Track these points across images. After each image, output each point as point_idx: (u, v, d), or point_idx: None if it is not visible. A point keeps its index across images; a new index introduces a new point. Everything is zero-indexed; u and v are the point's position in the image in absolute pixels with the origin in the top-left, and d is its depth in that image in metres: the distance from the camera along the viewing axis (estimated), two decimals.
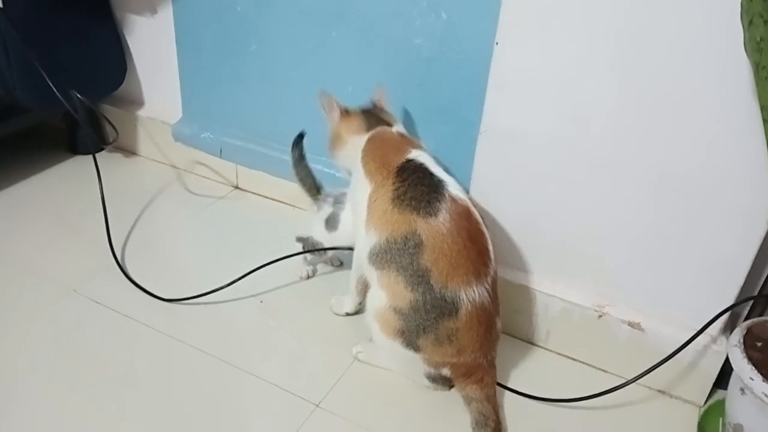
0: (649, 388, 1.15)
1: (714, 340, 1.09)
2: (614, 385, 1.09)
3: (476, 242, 1.02)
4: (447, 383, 1.10)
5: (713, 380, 1.11)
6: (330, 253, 1.35)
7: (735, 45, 0.84)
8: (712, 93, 0.93)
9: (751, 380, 0.91)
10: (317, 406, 1.07)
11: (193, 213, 1.56)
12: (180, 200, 1.61)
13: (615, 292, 1.14)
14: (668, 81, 0.96)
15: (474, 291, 1.00)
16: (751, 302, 1.10)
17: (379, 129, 1.17)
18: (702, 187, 1.00)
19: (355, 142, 1.17)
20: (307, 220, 1.32)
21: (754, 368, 0.92)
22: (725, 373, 1.06)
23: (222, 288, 1.26)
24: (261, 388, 1.09)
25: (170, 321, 1.21)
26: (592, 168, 1.07)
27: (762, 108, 0.81)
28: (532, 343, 1.23)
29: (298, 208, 1.56)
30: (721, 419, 1.05)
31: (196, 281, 1.29)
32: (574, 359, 1.20)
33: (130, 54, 1.69)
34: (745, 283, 1.03)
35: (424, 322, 1.01)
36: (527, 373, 1.17)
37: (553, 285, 1.18)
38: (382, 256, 1.04)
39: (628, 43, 0.96)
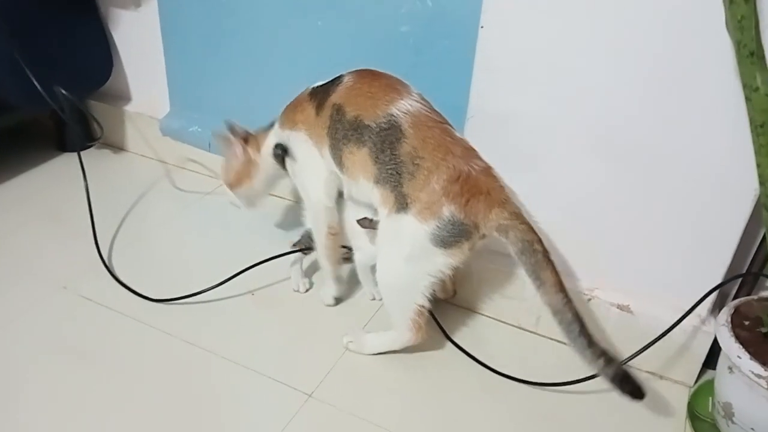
0: (639, 369, 1.15)
1: (702, 321, 1.09)
2: None
3: (382, 79, 1.08)
4: (465, 236, 1.00)
5: (702, 361, 1.12)
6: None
7: (717, 24, 0.84)
8: (697, 73, 0.94)
9: (738, 359, 0.92)
10: (310, 396, 1.07)
11: (183, 208, 1.56)
12: (169, 195, 1.60)
13: (603, 276, 1.14)
14: (654, 62, 0.96)
15: (404, 103, 1.03)
16: (738, 282, 1.11)
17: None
18: (688, 167, 1.00)
19: (267, 146, 1.25)
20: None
21: (741, 347, 0.93)
22: (714, 353, 1.07)
23: (212, 288, 1.24)
24: (253, 379, 1.10)
25: (162, 316, 1.21)
26: (579, 151, 1.07)
27: (744, 86, 0.81)
28: (523, 329, 1.24)
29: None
30: (710, 399, 1.06)
31: (185, 278, 1.29)
32: (564, 343, 1.20)
33: (116, 49, 1.68)
34: (732, 262, 1.04)
35: (388, 163, 1.02)
36: (518, 358, 1.18)
37: None
38: (337, 159, 1.10)
39: (614, 24, 0.96)
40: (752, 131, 0.86)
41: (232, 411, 1.04)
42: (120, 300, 1.24)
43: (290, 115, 1.19)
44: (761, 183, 0.88)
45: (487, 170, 1.02)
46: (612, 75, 1.00)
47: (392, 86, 1.06)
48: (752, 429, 0.95)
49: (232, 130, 1.27)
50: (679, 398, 1.11)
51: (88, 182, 1.43)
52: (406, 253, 1.04)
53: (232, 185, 1.31)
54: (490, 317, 1.26)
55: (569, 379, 1.10)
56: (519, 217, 1.00)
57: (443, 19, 1.19)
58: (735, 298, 1.10)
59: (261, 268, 1.29)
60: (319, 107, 1.12)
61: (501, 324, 1.25)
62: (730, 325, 0.97)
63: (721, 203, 1.00)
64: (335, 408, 1.05)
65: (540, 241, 0.99)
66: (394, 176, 1.02)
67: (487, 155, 1.14)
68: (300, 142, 1.17)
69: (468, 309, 1.28)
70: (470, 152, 1.02)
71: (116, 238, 1.42)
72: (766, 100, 0.81)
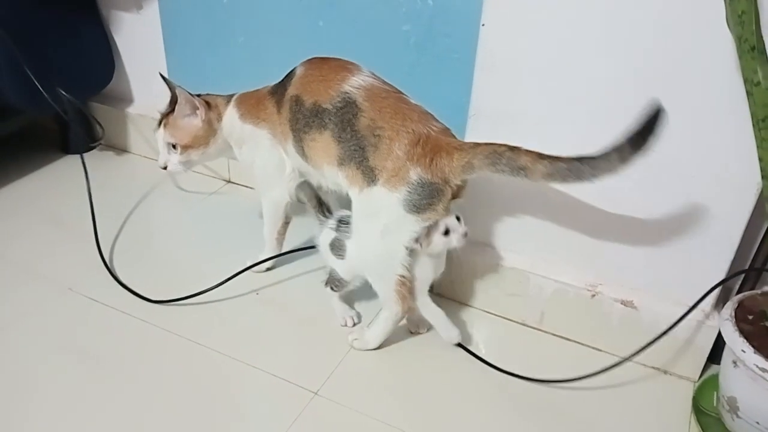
0: (644, 365, 1.16)
1: (707, 316, 1.10)
2: (609, 365, 1.10)
3: (331, 61, 1.14)
4: (436, 196, 1.01)
5: (707, 355, 1.12)
6: (352, 278, 1.19)
7: (718, 19, 0.84)
8: (699, 68, 0.94)
9: (743, 352, 0.92)
10: (316, 393, 1.07)
11: (186, 209, 1.56)
12: (172, 196, 1.61)
13: (607, 272, 1.15)
14: (655, 58, 0.96)
15: (355, 79, 1.07)
16: (742, 276, 1.11)
17: (237, 94, 1.25)
18: (690, 163, 1.00)
19: (227, 118, 1.25)
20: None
21: (745, 341, 0.93)
22: (719, 348, 1.07)
23: (214, 288, 1.25)
24: (260, 378, 1.10)
25: (167, 316, 1.22)
26: (581, 148, 1.07)
27: (745, 81, 0.81)
28: (527, 326, 1.24)
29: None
30: (715, 393, 1.06)
31: (189, 279, 1.29)
32: (568, 339, 1.21)
33: (118, 51, 1.69)
34: (735, 257, 1.04)
35: (351, 140, 1.05)
36: (523, 355, 1.18)
37: (547, 266, 1.19)
38: (300, 151, 1.14)
39: (615, 21, 0.97)
40: (754, 126, 0.86)
41: (240, 409, 1.05)
42: (126, 301, 1.25)
43: (253, 111, 1.22)
44: (763, 177, 0.88)
45: (446, 131, 1.04)
46: (613, 72, 1.00)
47: (342, 66, 1.10)
48: (757, 423, 0.95)
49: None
50: (683, 393, 1.11)
51: (92, 184, 1.43)
52: (381, 227, 1.05)
53: (186, 147, 1.26)
54: (494, 314, 1.26)
55: (575, 376, 1.10)
56: (477, 145, 0.99)
57: (444, 17, 1.19)
58: (739, 292, 1.10)
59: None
60: (279, 104, 1.16)
61: (506, 321, 1.25)
62: (734, 320, 0.97)
63: (724, 198, 1.00)
64: (341, 405, 1.05)
65: (500, 144, 0.98)
66: (357, 152, 1.04)
67: None
68: (261, 140, 1.22)
69: (472, 307, 1.28)
70: (427, 116, 1.04)
71: (119, 239, 1.43)
72: (767, 94, 0.82)
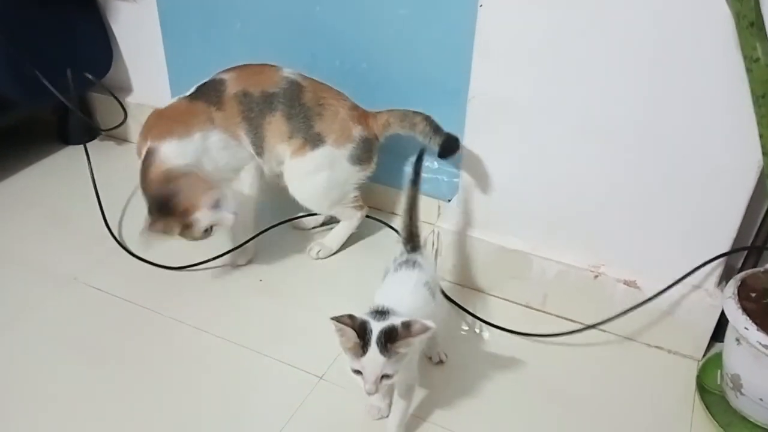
0: (648, 344, 1.16)
1: (710, 295, 1.10)
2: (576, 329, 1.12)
3: (254, 64, 1.27)
4: (372, 148, 1.28)
5: (710, 334, 1.12)
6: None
7: None
8: (697, 46, 0.93)
9: (746, 330, 0.93)
10: (321, 378, 1.08)
11: None
12: None
13: (610, 252, 1.15)
14: (651, 39, 0.95)
15: (286, 70, 1.25)
16: (744, 255, 1.11)
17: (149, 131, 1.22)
18: (690, 142, 1.00)
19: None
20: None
21: (748, 318, 0.94)
22: (722, 327, 1.07)
23: (226, 253, 1.31)
24: (266, 364, 1.11)
25: (173, 304, 1.23)
26: (581, 130, 1.07)
27: (745, 58, 0.81)
28: (530, 308, 1.24)
29: None
30: (718, 372, 1.07)
31: (195, 259, 1.32)
32: (572, 320, 1.21)
33: (116, 40, 1.68)
34: (737, 236, 1.04)
35: (299, 114, 1.22)
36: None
37: (549, 249, 1.19)
38: (255, 136, 1.24)
39: (612, 2, 0.96)
40: (753, 103, 0.86)
41: (246, 395, 1.06)
42: (131, 289, 1.26)
43: (187, 124, 1.20)
44: (764, 154, 0.88)
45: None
46: (612, 52, 0.99)
47: (267, 65, 1.27)
48: (761, 399, 0.96)
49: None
50: (687, 372, 1.12)
51: (94, 173, 1.44)
52: (325, 178, 1.26)
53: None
54: (497, 297, 1.27)
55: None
56: (390, 111, 1.27)
57: (442, 1, 1.18)
58: (741, 272, 1.10)
59: (269, 254, 1.34)
60: (217, 105, 1.23)
61: (509, 303, 1.25)
62: (737, 297, 0.97)
63: (725, 176, 1.00)
64: (346, 389, 1.06)
65: (404, 109, 1.26)
66: (305, 122, 1.23)
67: (490, 136, 1.15)
68: (218, 140, 1.23)
69: (477, 290, 1.28)
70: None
71: (123, 228, 1.43)
72: (767, 71, 0.81)
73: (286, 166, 1.27)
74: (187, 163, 1.18)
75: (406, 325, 0.83)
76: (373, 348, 0.82)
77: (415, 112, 1.25)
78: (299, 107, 1.23)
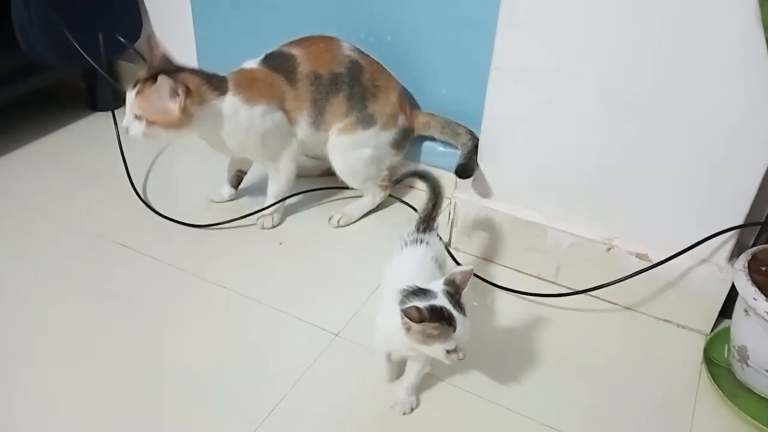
0: (657, 318, 1.18)
1: (720, 270, 1.11)
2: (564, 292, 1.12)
3: (316, 37, 1.31)
4: (408, 138, 1.39)
5: (719, 308, 1.14)
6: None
7: None
8: (716, 18, 0.94)
9: (754, 300, 0.95)
10: (336, 335, 1.11)
11: (216, 161, 1.57)
12: (197, 149, 1.63)
13: (623, 225, 1.17)
14: (674, 11, 0.97)
15: (345, 44, 1.30)
16: (756, 231, 1.12)
17: (228, 78, 1.25)
18: (706, 116, 1.01)
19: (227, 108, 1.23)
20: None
21: (758, 290, 0.95)
22: (731, 302, 1.09)
23: (251, 214, 1.37)
24: (282, 320, 1.14)
25: (195, 261, 1.26)
26: (601, 102, 1.08)
27: (765, 28, 0.82)
28: (543, 279, 1.27)
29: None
30: (726, 345, 1.09)
31: (226, 215, 1.38)
32: (583, 292, 1.23)
33: (145, 8, 1.71)
34: (750, 210, 1.05)
35: (356, 94, 1.28)
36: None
37: (564, 221, 1.21)
38: (317, 117, 1.29)
39: None
40: None
41: (264, 349, 1.09)
42: (155, 245, 1.30)
43: (260, 90, 1.24)
44: None
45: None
46: (634, 22, 1.00)
47: (329, 38, 1.30)
48: (766, 371, 0.98)
49: (176, 72, 1.18)
50: (695, 345, 1.14)
51: (121, 138, 1.48)
52: (368, 156, 1.33)
53: (152, 123, 1.18)
54: (510, 268, 1.29)
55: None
56: (432, 116, 1.39)
57: None
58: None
59: (288, 222, 1.39)
60: (291, 82, 1.27)
61: (522, 275, 1.28)
62: (747, 270, 0.99)
63: (740, 151, 1.01)
64: (360, 346, 1.09)
65: (455, 122, 1.36)
66: (360, 102, 1.29)
67: (510, 107, 1.16)
68: (272, 116, 1.26)
69: (489, 261, 1.31)
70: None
71: (148, 191, 1.47)
72: None
73: (332, 140, 1.32)
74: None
75: (451, 282, 0.87)
76: (458, 318, 0.84)
77: (458, 124, 1.35)
78: (358, 87, 1.29)
